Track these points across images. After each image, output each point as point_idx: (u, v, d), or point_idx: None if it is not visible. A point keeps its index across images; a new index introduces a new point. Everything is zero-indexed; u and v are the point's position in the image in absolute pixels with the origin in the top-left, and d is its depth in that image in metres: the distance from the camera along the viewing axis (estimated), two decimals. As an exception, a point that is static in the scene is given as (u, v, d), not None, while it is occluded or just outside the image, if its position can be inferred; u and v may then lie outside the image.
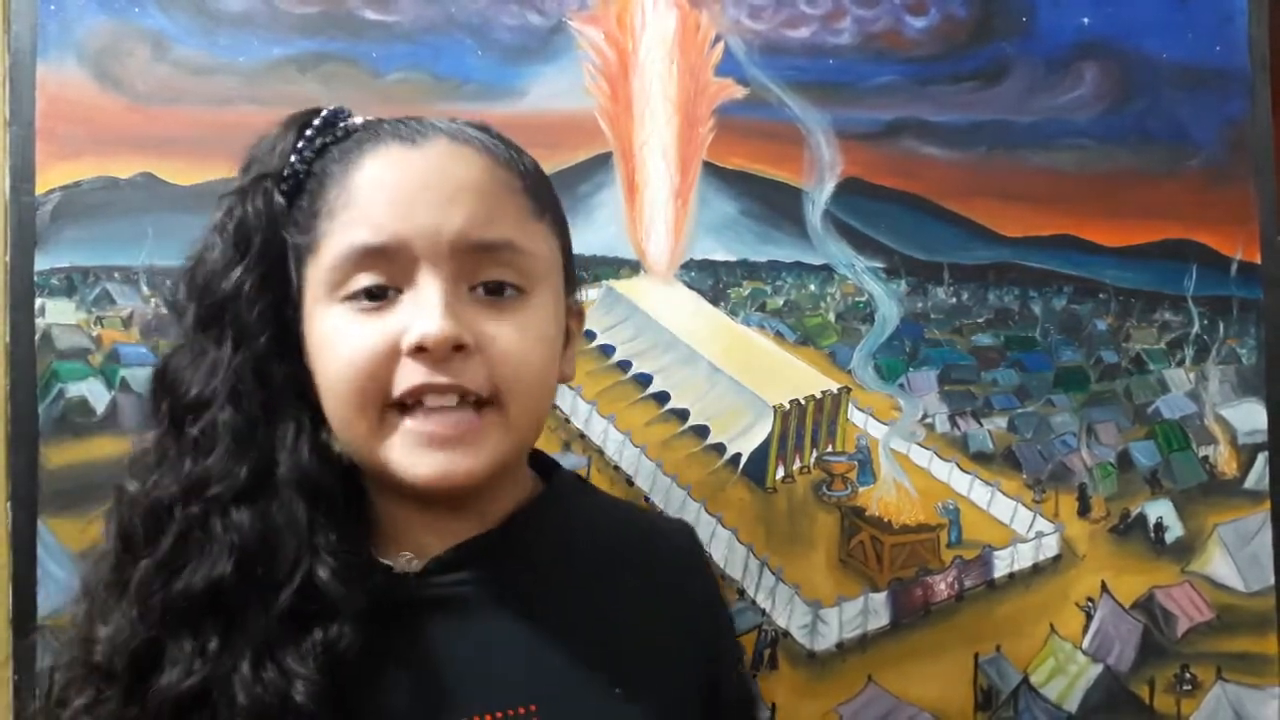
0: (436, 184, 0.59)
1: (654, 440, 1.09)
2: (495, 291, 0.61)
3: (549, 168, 1.11)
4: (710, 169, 1.11)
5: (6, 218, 1.00)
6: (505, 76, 1.08)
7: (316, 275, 0.61)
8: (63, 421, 0.99)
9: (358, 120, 0.66)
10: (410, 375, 0.58)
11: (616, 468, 1.08)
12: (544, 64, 1.08)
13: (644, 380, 1.10)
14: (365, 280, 0.59)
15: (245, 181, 0.64)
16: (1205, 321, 1.19)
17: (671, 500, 1.08)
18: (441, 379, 0.58)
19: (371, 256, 0.58)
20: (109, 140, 1.01)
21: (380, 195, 0.59)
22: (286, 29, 1.04)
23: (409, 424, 0.58)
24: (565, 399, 1.08)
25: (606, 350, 1.10)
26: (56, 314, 1.01)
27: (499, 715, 0.59)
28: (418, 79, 1.06)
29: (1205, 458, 1.18)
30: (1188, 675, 1.15)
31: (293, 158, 0.63)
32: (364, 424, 0.59)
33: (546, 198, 0.68)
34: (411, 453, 0.58)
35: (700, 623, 0.73)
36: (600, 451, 1.08)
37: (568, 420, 1.08)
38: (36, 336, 1.00)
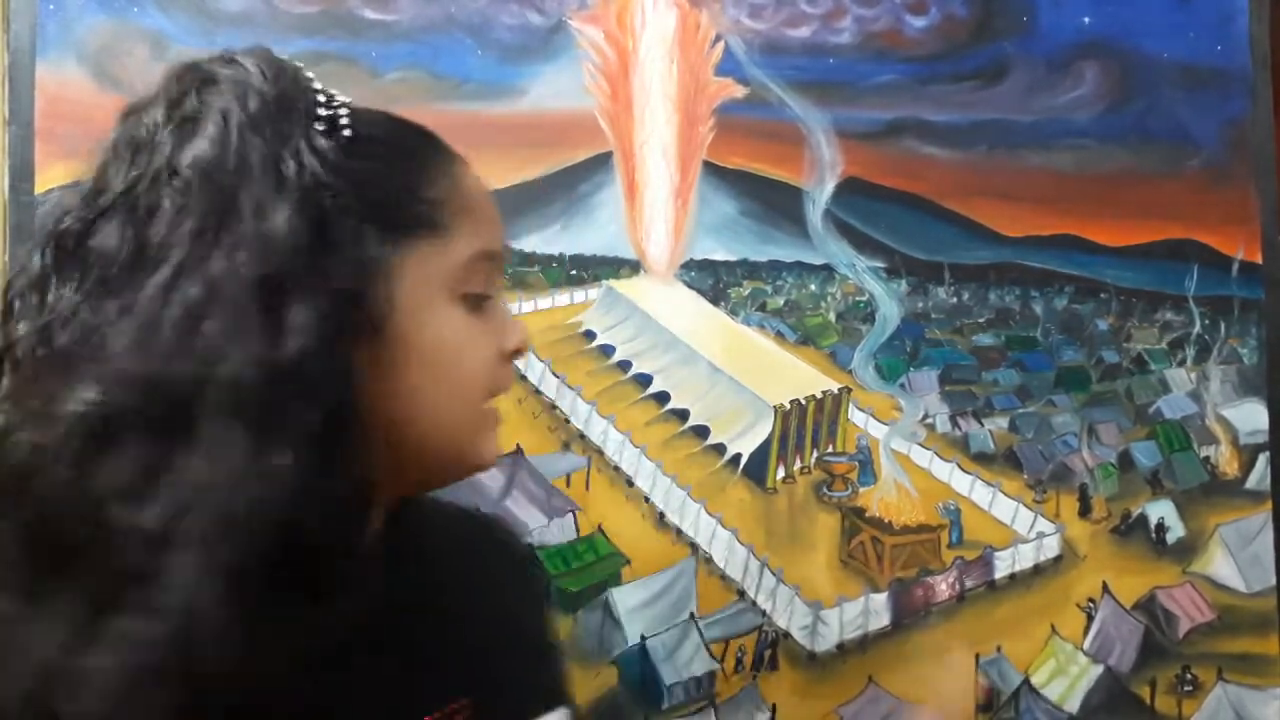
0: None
1: (654, 440, 1.09)
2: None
3: (549, 167, 1.12)
4: (710, 168, 1.11)
5: (5, 217, 1.00)
6: (505, 76, 1.07)
7: (439, 267, 0.57)
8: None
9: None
10: (508, 375, 0.63)
11: (616, 468, 1.08)
12: (544, 63, 1.08)
13: (644, 380, 1.10)
14: (481, 286, 0.60)
15: (282, 139, 0.52)
16: (1206, 321, 1.19)
17: (671, 501, 1.08)
18: None
19: (492, 263, 0.61)
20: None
21: (489, 205, 0.63)
22: (285, 28, 1.04)
23: (490, 416, 0.62)
24: (565, 399, 1.08)
25: (606, 350, 1.10)
26: (55, 314, 1.00)
27: (440, 713, 0.60)
28: (417, 78, 1.06)
29: (1206, 458, 1.18)
30: (1189, 676, 1.14)
31: (321, 97, 0.56)
32: (474, 414, 0.61)
33: None
34: (487, 438, 0.62)
35: (539, 602, 0.81)
36: (600, 451, 1.08)
37: (568, 420, 1.08)
38: (35, 336, 1.00)
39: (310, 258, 0.50)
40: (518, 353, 0.62)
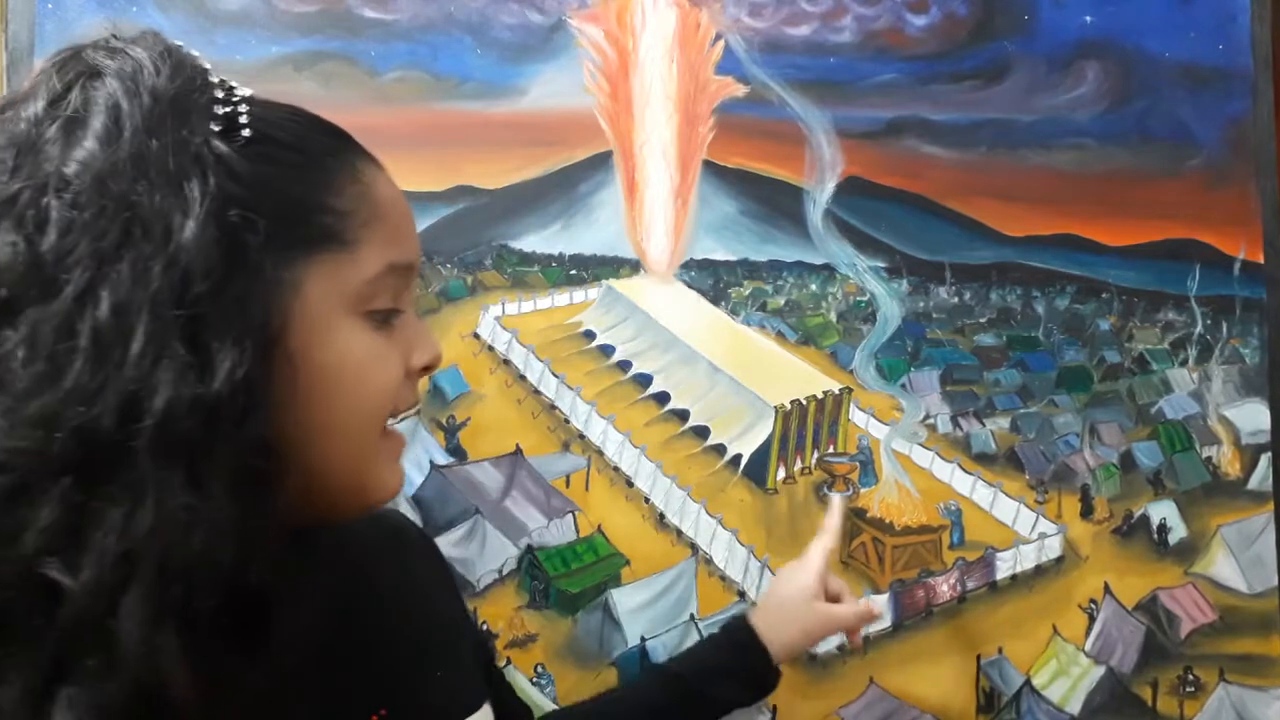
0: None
1: (654, 441, 1.08)
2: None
3: (549, 166, 1.12)
4: (710, 168, 1.10)
5: (3, 217, 1.00)
6: (505, 75, 1.07)
7: (343, 283, 0.53)
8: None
9: (248, 92, 0.56)
10: (412, 398, 0.60)
11: (616, 468, 1.07)
12: (544, 62, 1.08)
13: (644, 380, 1.10)
14: (389, 301, 0.57)
15: (178, 142, 0.47)
16: (1208, 321, 1.19)
17: (671, 501, 1.07)
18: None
19: (403, 276, 0.58)
20: (106, 139, 1.01)
21: (402, 214, 0.59)
22: (284, 27, 1.04)
23: (391, 442, 0.59)
24: (565, 399, 1.07)
25: (606, 350, 1.10)
26: (53, 314, 1.00)
27: None
28: (416, 77, 1.06)
29: (1208, 458, 1.17)
30: (1191, 677, 1.14)
31: (219, 92, 0.51)
32: (372, 441, 0.57)
33: None
34: (388, 468, 0.59)
35: (453, 583, 0.79)
36: (600, 452, 1.07)
37: (567, 420, 1.07)
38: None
39: (222, 279, 0.46)
40: (427, 369, 0.59)
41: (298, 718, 0.55)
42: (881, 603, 1.09)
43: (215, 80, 0.52)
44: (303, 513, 0.53)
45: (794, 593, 0.94)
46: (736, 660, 0.91)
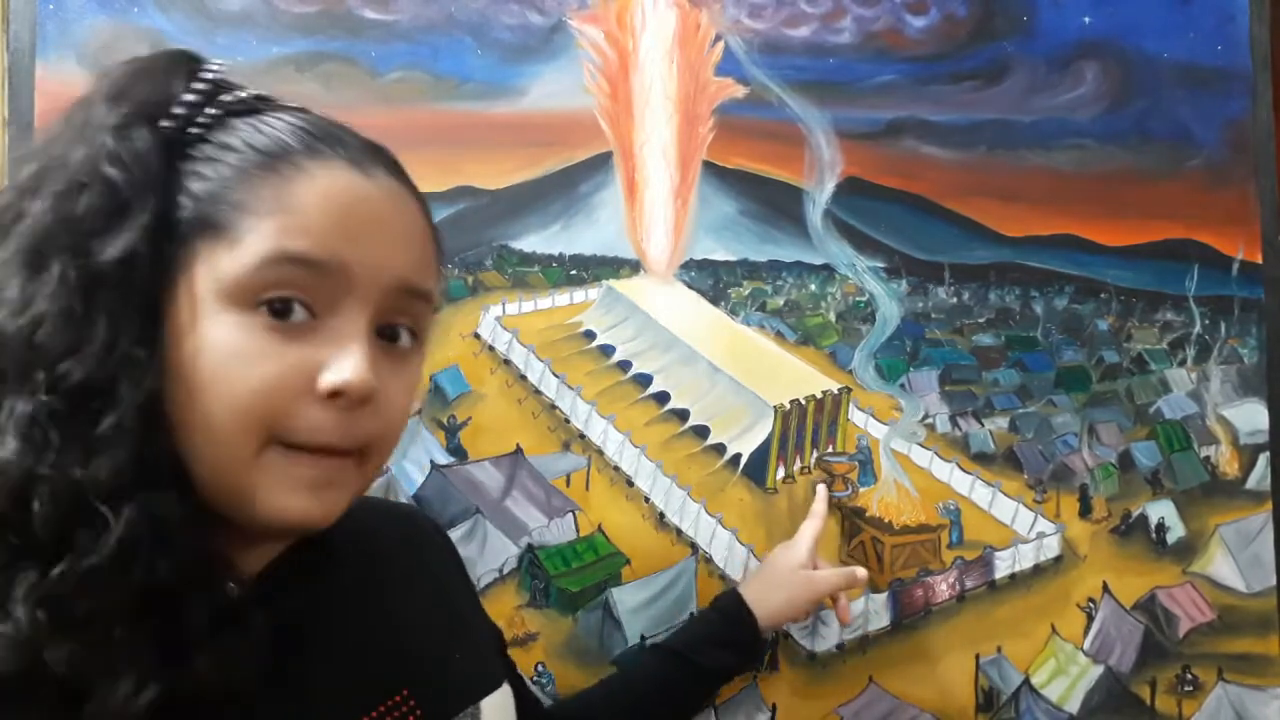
0: (388, 222, 0.57)
1: (654, 441, 1.09)
2: (392, 338, 0.58)
3: (549, 166, 1.12)
4: (710, 168, 1.11)
5: (5, 217, 1.00)
6: (505, 75, 1.07)
7: (219, 271, 0.52)
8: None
9: (250, 93, 0.60)
10: (319, 423, 0.53)
11: (616, 468, 1.08)
12: (544, 63, 1.08)
13: (644, 380, 1.10)
14: (283, 293, 0.52)
15: (121, 113, 0.53)
16: (1207, 321, 1.19)
17: (671, 501, 1.08)
18: (350, 430, 0.54)
19: (304, 270, 0.53)
20: (107, 140, 1.01)
21: (332, 212, 0.54)
22: (285, 28, 1.04)
23: (287, 464, 0.53)
24: (565, 399, 1.08)
25: (606, 350, 1.10)
26: (55, 314, 1.00)
27: (380, 710, 0.61)
28: (417, 78, 1.06)
29: (1207, 458, 1.18)
30: (1189, 676, 1.14)
31: (178, 108, 0.55)
32: (244, 452, 0.52)
33: (441, 245, 0.65)
34: (284, 492, 0.53)
35: (466, 574, 0.81)
36: (600, 452, 1.07)
37: (568, 420, 1.08)
38: (35, 336, 1.00)
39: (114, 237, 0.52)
40: (335, 394, 0.52)
41: (326, 699, 0.58)
42: (863, 578, 1.03)
43: (197, 87, 0.56)
44: (230, 535, 0.54)
45: (781, 564, 1.01)
46: (725, 629, 0.97)
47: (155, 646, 0.48)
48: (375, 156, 0.59)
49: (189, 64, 0.57)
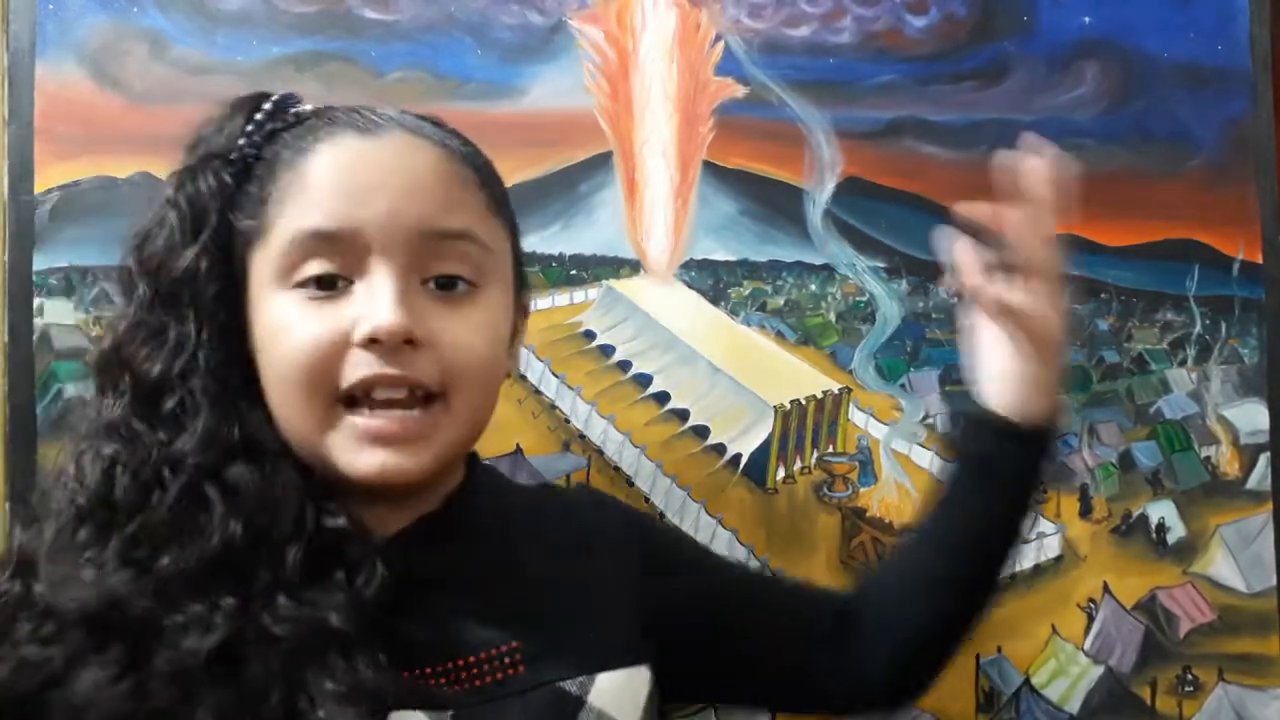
0: (394, 175, 0.61)
1: (654, 441, 1.09)
2: (447, 286, 0.62)
3: (549, 167, 1.12)
4: (710, 168, 1.10)
5: (5, 217, 1.00)
6: (505, 75, 1.07)
7: (265, 262, 0.61)
8: (61, 422, 0.99)
9: (308, 107, 0.67)
10: (360, 367, 0.59)
11: (616, 468, 1.08)
12: (544, 63, 1.08)
13: (644, 380, 1.10)
14: (316, 268, 0.59)
15: (193, 160, 0.64)
16: (1207, 321, 1.19)
17: (671, 501, 1.08)
18: (392, 370, 0.59)
19: (323, 243, 0.59)
20: (107, 140, 1.01)
21: (335, 182, 0.60)
22: (285, 28, 1.04)
23: (355, 420, 0.59)
24: (565, 399, 1.07)
25: (606, 350, 1.10)
26: (55, 314, 1.00)
27: (492, 652, 0.64)
28: (417, 78, 1.06)
29: (1207, 458, 1.17)
30: (1190, 676, 1.14)
31: (241, 140, 0.63)
32: (311, 415, 0.59)
33: (501, 194, 0.69)
34: (355, 448, 0.59)
35: (621, 555, 0.76)
36: (600, 452, 1.07)
37: (568, 420, 1.07)
38: (35, 336, 0.99)
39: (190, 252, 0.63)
40: (373, 341, 0.58)
41: (436, 635, 0.63)
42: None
43: (255, 119, 0.65)
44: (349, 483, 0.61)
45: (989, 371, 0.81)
46: (966, 433, 0.82)
47: (233, 596, 0.55)
48: (392, 120, 0.63)
49: (255, 100, 0.66)
